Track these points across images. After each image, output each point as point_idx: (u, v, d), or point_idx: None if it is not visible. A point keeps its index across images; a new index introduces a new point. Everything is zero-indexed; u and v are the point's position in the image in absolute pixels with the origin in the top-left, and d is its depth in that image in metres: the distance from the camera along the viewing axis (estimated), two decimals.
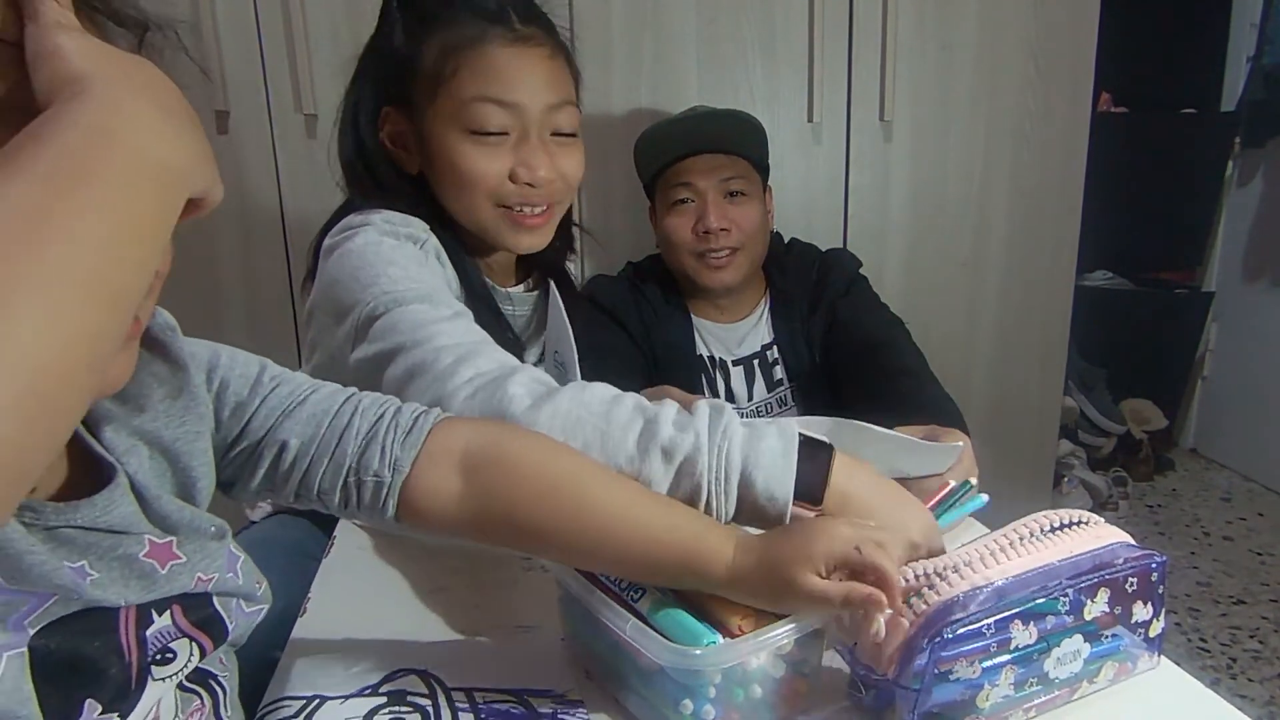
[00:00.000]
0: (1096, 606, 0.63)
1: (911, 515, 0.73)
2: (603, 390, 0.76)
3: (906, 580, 0.63)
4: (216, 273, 1.70)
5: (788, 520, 0.70)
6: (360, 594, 0.85)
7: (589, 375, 0.97)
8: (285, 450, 0.63)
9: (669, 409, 0.74)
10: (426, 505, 0.64)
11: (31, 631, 0.44)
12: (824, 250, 1.56)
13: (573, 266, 1.23)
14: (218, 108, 1.62)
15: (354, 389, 0.69)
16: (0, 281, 0.31)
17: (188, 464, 0.57)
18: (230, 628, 0.56)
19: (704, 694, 0.60)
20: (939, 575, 0.62)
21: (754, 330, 1.50)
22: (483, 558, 0.88)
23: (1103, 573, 0.64)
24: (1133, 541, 0.68)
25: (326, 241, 0.94)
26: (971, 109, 1.84)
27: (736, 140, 1.44)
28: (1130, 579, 0.65)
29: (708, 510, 0.70)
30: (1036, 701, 0.63)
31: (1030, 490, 2.03)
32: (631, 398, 0.76)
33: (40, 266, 0.32)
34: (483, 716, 0.65)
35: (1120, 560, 0.65)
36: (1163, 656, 0.69)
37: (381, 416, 0.65)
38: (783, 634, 0.60)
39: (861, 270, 1.52)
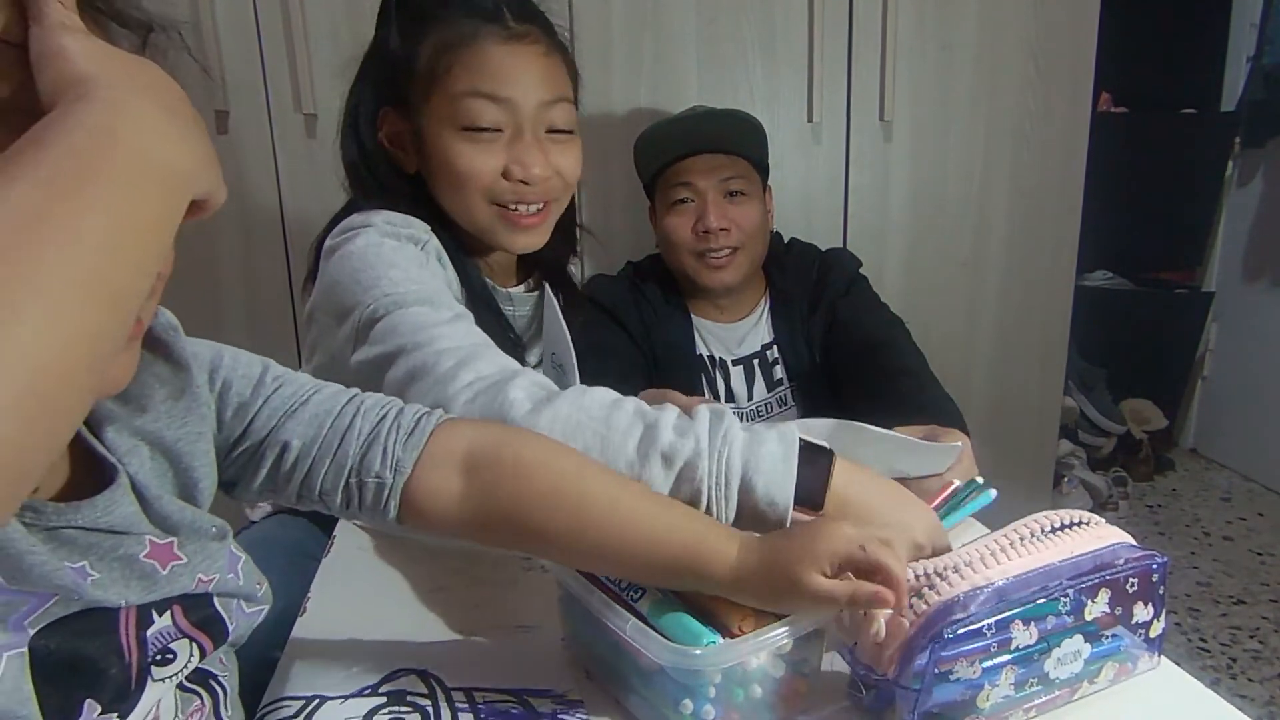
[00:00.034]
0: (1097, 607, 0.63)
1: (915, 516, 0.73)
2: (603, 395, 0.76)
3: (907, 580, 0.63)
4: (216, 273, 1.70)
5: (788, 525, 0.69)
6: (360, 594, 0.85)
7: (589, 375, 0.97)
8: (287, 451, 0.63)
9: (669, 414, 0.73)
10: (428, 506, 0.64)
11: (31, 632, 0.44)
12: (824, 250, 1.56)
13: (573, 267, 1.23)
14: (217, 108, 1.62)
15: (357, 390, 0.69)
16: (1, 281, 0.31)
17: (189, 465, 0.57)
18: (231, 628, 0.56)
19: (704, 694, 0.60)
20: (939, 575, 0.62)
21: (754, 330, 1.50)
22: (483, 558, 0.88)
23: (1103, 573, 0.64)
24: (1133, 542, 0.68)
25: (328, 242, 0.94)
26: (971, 109, 1.84)
27: (736, 140, 1.43)
28: (1131, 579, 0.65)
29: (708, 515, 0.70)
30: (1037, 702, 0.63)
31: (1030, 490, 2.03)
32: (632, 402, 0.76)
33: (41, 266, 0.32)
34: (482, 716, 0.65)
35: (1121, 561, 0.65)
36: (1163, 657, 0.69)
37: (383, 418, 0.65)
38: (783, 634, 0.60)
39: (861, 270, 1.52)
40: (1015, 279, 1.94)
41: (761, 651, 0.61)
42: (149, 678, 0.50)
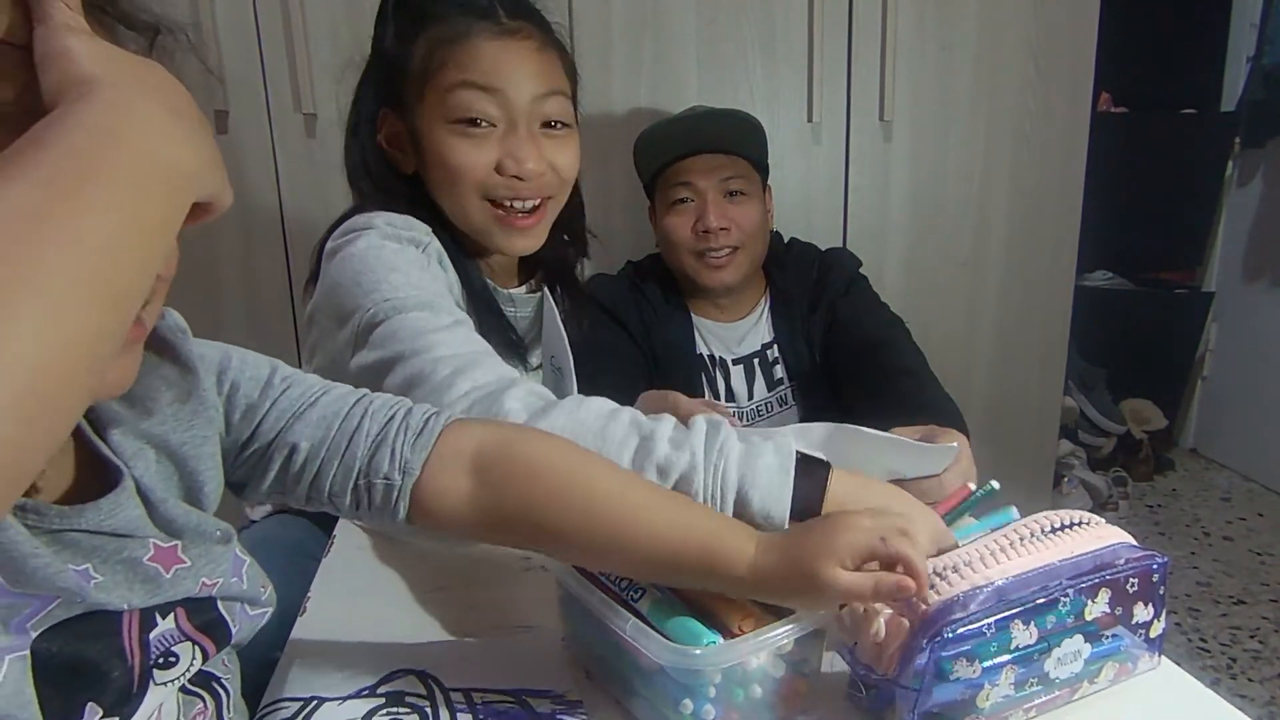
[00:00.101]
0: (1097, 607, 0.63)
1: (917, 519, 0.73)
2: (599, 405, 0.76)
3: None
4: (216, 273, 1.70)
5: None
6: (360, 594, 0.85)
7: (589, 374, 0.97)
8: (295, 453, 0.63)
9: (665, 425, 0.73)
10: (438, 507, 0.64)
11: (34, 634, 0.44)
12: (824, 250, 1.56)
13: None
14: (217, 107, 1.62)
15: (365, 390, 0.68)
16: (1, 281, 0.31)
17: (195, 468, 0.56)
18: (234, 631, 0.56)
19: (704, 694, 0.60)
20: (939, 575, 0.62)
21: (754, 329, 1.50)
22: (482, 558, 0.88)
23: (1104, 573, 0.64)
24: (1134, 542, 0.68)
25: (329, 244, 0.94)
26: (971, 109, 1.84)
27: (736, 140, 1.44)
28: (1131, 580, 0.65)
29: None
30: (1037, 702, 0.63)
31: (1030, 490, 2.03)
32: (628, 413, 0.75)
33: (41, 266, 0.32)
34: (481, 717, 0.65)
35: (1121, 561, 0.65)
36: (1163, 657, 0.69)
37: (392, 419, 0.65)
38: (783, 634, 0.60)
39: (861, 270, 1.52)
40: (1015, 279, 1.94)
41: (761, 651, 0.61)
42: (151, 681, 0.50)
